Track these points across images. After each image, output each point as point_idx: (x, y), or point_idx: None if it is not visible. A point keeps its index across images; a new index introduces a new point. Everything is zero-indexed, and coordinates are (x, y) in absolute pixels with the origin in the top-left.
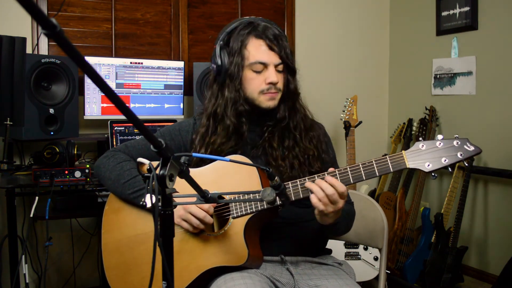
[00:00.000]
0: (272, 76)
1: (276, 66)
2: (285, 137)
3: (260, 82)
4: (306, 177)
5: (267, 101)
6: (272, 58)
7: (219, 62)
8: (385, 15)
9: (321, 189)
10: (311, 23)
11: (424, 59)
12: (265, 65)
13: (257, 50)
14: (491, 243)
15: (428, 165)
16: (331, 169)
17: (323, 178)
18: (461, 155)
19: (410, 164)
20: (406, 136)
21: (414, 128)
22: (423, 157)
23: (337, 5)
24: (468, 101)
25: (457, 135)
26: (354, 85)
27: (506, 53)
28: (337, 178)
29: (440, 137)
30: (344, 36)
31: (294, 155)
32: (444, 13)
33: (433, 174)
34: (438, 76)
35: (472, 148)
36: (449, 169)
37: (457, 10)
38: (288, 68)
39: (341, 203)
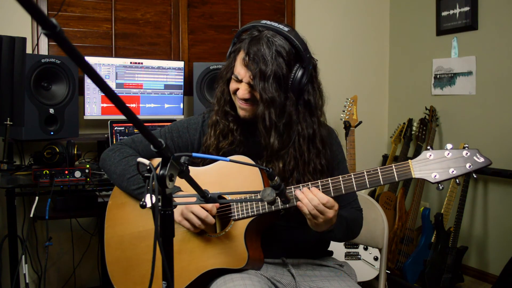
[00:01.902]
0: (241, 91)
1: (250, 85)
2: (283, 159)
3: (235, 88)
4: (309, 183)
5: (239, 109)
6: (244, 75)
7: (227, 55)
8: (385, 15)
9: (309, 201)
10: (311, 23)
11: (424, 59)
12: (240, 80)
13: (239, 62)
14: (491, 243)
15: (435, 175)
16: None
17: (327, 185)
18: (470, 166)
19: (416, 174)
20: (406, 136)
21: (414, 128)
22: (430, 167)
23: (337, 5)
24: (468, 101)
25: (466, 145)
26: (354, 85)
27: (506, 53)
28: (340, 185)
29: (449, 146)
30: (344, 36)
31: (297, 176)
32: (444, 13)
33: (439, 184)
34: (438, 76)
35: (482, 159)
36: (457, 181)
37: (457, 10)
38: (260, 94)
39: (330, 213)
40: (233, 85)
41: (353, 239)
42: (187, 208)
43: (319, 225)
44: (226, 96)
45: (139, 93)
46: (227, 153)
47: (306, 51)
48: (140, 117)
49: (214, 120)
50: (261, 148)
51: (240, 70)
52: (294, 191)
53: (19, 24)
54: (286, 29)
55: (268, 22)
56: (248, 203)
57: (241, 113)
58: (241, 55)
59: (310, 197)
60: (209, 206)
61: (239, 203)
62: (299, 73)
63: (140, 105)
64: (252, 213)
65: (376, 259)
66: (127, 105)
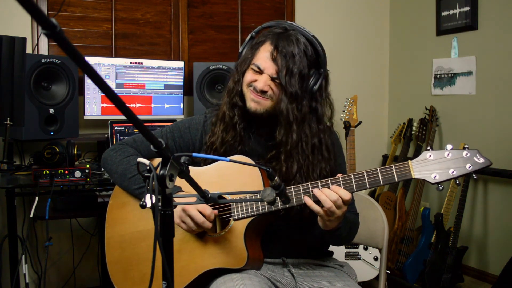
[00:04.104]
0: (260, 82)
1: (272, 78)
2: (287, 159)
3: (252, 79)
4: (309, 183)
5: (250, 101)
6: (269, 68)
7: (240, 50)
8: (385, 15)
9: (327, 198)
10: (311, 23)
11: (424, 59)
12: (261, 71)
13: (262, 54)
14: (491, 243)
15: (435, 176)
16: (339, 175)
17: (327, 186)
18: (470, 167)
19: (416, 174)
20: (406, 136)
21: (414, 128)
22: (430, 167)
23: (337, 5)
24: (468, 101)
25: (467, 146)
26: (354, 85)
27: (506, 53)
28: (340, 185)
29: (449, 146)
30: (344, 36)
31: (300, 176)
32: (444, 13)
33: (439, 185)
34: (438, 76)
35: (482, 160)
36: (457, 181)
37: (457, 10)
38: (284, 88)
39: (345, 208)
40: (250, 76)
41: (349, 243)
42: (185, 211)
43: (332, 222)
44: (238, 86)
45: (139, 93)
46: (231, 147)
47: (325, 58)
48: (140, 117)
49: (221, 111)
50: (264, 146)
51: (264, 62)
52: (312, 189)
53: (19, 24)
54: (311, 33)
55: (294, 24)
56: (248, 203)
57: (252, 105)
58: (267, 48)
59: (332, 195)
60: (207, 212)
61: (239, 203)
62: (315, 78)
63: (152, 105)
64: (252, 213)
65: (376, 259)
66: (127, 105)
